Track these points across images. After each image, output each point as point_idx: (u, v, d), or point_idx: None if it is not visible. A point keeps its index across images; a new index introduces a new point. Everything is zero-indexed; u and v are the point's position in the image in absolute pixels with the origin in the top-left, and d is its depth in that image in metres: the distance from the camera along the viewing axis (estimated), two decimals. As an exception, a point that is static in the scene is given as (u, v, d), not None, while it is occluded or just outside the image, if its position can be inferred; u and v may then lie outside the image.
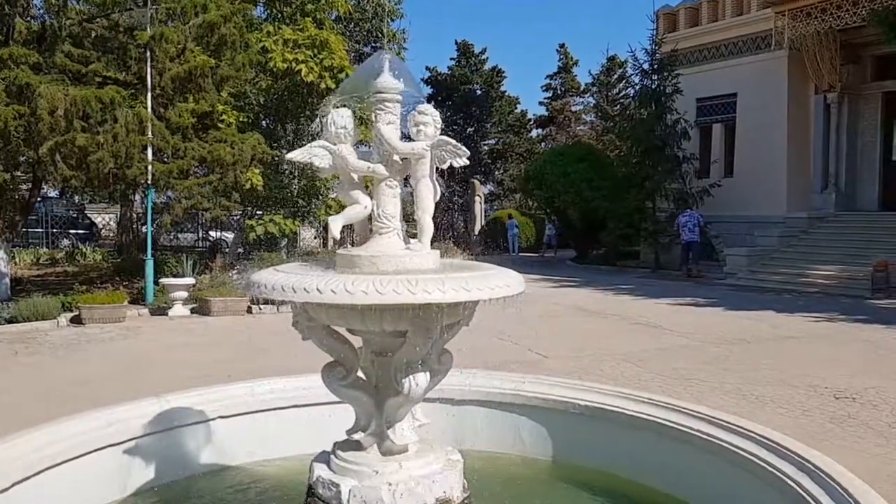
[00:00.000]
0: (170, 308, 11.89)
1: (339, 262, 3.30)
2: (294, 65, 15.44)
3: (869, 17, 15.07)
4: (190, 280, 12.28)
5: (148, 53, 12.47)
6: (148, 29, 12.38)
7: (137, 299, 12.64)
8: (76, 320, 10.96)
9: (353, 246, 3.46)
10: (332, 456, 3.40)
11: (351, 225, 3.47)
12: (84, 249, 19.43)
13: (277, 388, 4.99)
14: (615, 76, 41.58)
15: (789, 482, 3.55)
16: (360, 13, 21.50)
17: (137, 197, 18.03)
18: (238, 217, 19.57)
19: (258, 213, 17.33)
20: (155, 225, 13.99)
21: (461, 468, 3.44)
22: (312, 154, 3.34)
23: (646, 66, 21.19)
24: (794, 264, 16.25)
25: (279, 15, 18.54)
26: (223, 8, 12.76)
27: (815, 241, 17.24)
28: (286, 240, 18.85)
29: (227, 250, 18.97)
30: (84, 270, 16.04)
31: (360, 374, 3.47)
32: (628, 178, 21.25)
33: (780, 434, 4.04)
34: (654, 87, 20.83)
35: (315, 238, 23.84)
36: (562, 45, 43.11)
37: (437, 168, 3.36)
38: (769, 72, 19.11)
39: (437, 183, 3.38)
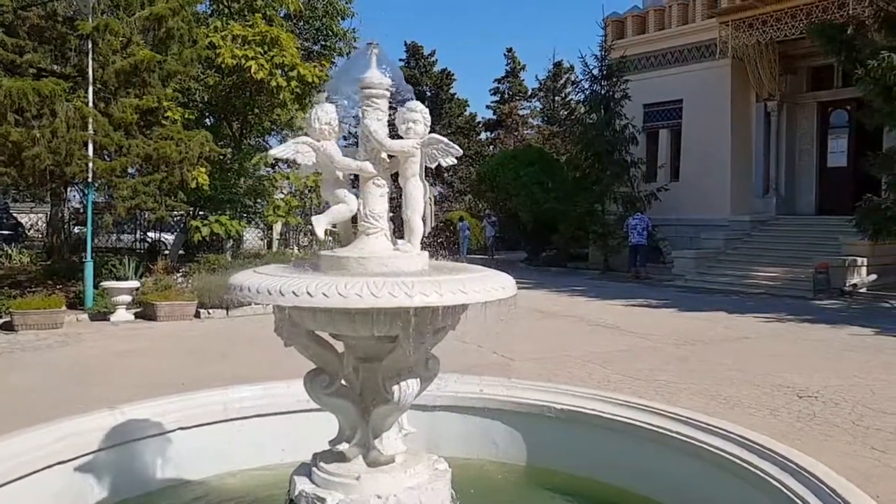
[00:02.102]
0: (112, 313, 11.37)
1: (324, 263, 3.14)
2: (243, 61, 15.03)
3: (807, 29, 15.62)
4: (134, 283, 11.78)
5: (90, 45, 11.91)
6: (90, 19, 11.84)
7: (75, 304, 12.04)
8: (7, 327, 10.34)
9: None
10: (313, 468, 3.24)
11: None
12: (9, 251, 18.37)
13: (239, 396, 4.80)
14: (561, 81, 42.18)
15: (773, 482, 3.55)
16: (311, 11, 21.15)
17: (75, 195, 17.23)
18: (179, 217, 18.95)
19: (201, 213, 16.78)
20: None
21: (449, 478, 3.34)
22: (296, 150, 3.18)
23: (595, 71, 21.47)
24: (739, 266, 16.70)
25: (227, 10, 18.09)
26: (171, 0, 12.32)
27: (759, 244, 17.77)
28: (231, 241, 18.39)
29: (167, 252, 18.32)
30: (10, 273, 15.14)
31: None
32: (578, 181, 21.49)
33: (760, 434, 4.06)
34: (603, 92, 21.12)
35: (262, 239, 23.34)
36: (509, 50, 43.56)
37: (426, 167, 3.25)
38: (713, 80, 19.61)
39: (426, 182, 3.26)
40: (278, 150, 3.20)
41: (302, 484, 3.18)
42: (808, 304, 13.13)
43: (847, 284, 14.60)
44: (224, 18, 17.45)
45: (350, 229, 3.35)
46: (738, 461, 3.79)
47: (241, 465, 4.51)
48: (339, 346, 3.29)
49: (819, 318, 11.32)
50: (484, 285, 2.94)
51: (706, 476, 3.96)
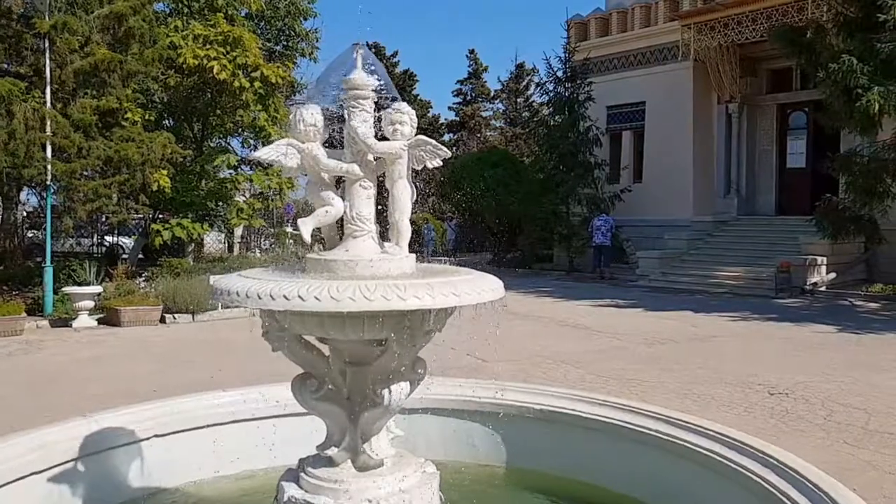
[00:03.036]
0: (74, 319, 11.08)
1: (311, 266, 3.11)
2: (205, 62, 14.78)
3: (769, 32, 15.95)
4: (97, 288, 11.49)
5: (47, 44, 11.59)
6: (47, 17, 11.52)
7: (33, 310, 11.70)
8: (-35, 334, 10.01)
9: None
10: (301, 474, 3.21)
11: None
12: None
13: (215, 402, 4.73)
14: (523, 83, 42.44)
15: (755, 478, 3.60)
16: (273, 11, 20.90)
17: (33, 199, 16.74)
18: (137, 221, 18.57)
19: (160, 216, 16.44)
20: (43, 229, 12.98)
21: (437, 481, 3.33)
22: (280, 153, 3.14)
23: (560, 73, 21.61)
24: (702, 266, 16.96)
25: (186, 10, 17.78)
26: (131, -1, 12.06)
27: (721, 244, 18.08)
28: (193, 245, 18.08)
29: (125, 256, 17.91)
30: (-39, 280, 14.61)
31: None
32: (543, 182, 21.61)
33: (738, 431, 4.12)
34: (567, 94, 21.26)
35: (224, 242, 22.96)
36: (471, 51, 43.66)
37: (413, 169, 3.24)
38: (675, 82, 19.89)
39: (413, 184, 3.25)
40: (263, 153, 3.15)
41: (290, 490, 3.14)
42: (771, 303, 13.40)
43: (808, 283, 14.94)
44: (184, 18, 17.16)
45: (335, 232, 3.32)
46: (718, 458, 3.84)
47: (220, 472, 4.45)
48: (325, 350, 3.26)
49: (783, 316, 11.55)
50: (475, 287, 2.95)
51: (687, 473, 4.00)
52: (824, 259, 15.45)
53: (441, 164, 3.31)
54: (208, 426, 4.52)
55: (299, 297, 2.65)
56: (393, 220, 3.20)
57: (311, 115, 3.15)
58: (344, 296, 2.63)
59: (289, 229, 30.97)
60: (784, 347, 8.71)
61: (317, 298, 2.63)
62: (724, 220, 19.13)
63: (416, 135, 3.20)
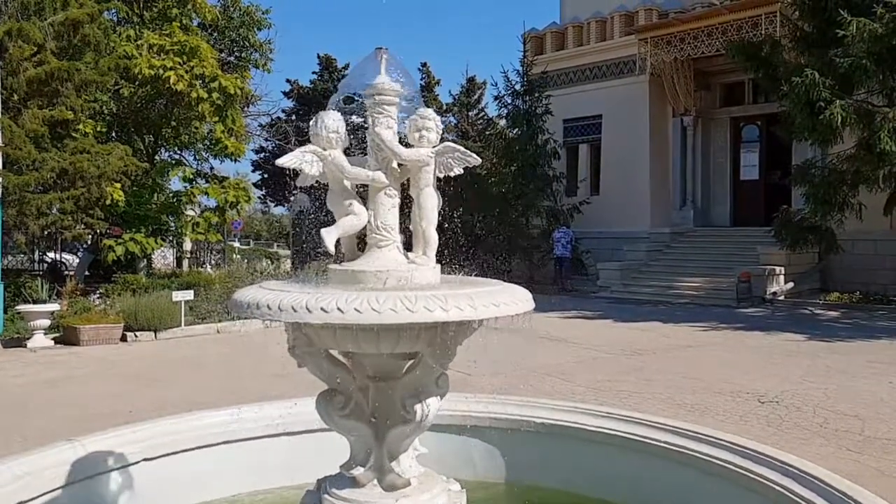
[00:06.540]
0: (28, 339, 10.54)
1: (335, 277, 2.99)
2: (162, 72, 14.39)
3: (726, 47, 16.31)
4: (54, 306, 10.97)
5: (-3, 52, 11.11)
6: (-1, 24, 11.05)
7: (-19, 331, 11.10)
8: (-89, 356, 9.43)
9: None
10: (325, 495, 3.07)
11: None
12: None
13: (202, 423, 4.56)
14: (475, 97, 42.62)
15: (776, 487, 3.57)
16: (227, 21, 20.53)
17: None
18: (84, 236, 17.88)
19: (109, 230, 15.86)
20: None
21: (464, 500, 3.23)
22: (303, 160, 3.01)
23: (518, 86, 21.71)
24: (662, 277, 17.19)
25: (138, 20, 17.32)
26: (87, 6, 11.63)
27: (679, 255, 18.36)
28: (146, 260, 17.52)
29: (69, 273, 17.21)
30: None
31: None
32: (502, 195, 21.64)
33: (749, 440, 4.11)
34: (525, 107, 21.37)
35: (167, 258, 22.30)
36: (424, 64, 43.67)
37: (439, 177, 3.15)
38: (632, 95, 20.21)
39: (438, 192, 3.16)
40: (285, 160, 3.01)
41: (317, 513, 2.99)
42: (735, 312, 13.60)
43: (768, 293, 15.23)
44: (136, 27, 16.72)
45: (355, 242, 3.20)
46: (734, 468, 3.81)
47: (216, 495, 4.27)
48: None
49: (750, 325, 11.72)
50: (512, 297, 2.92)
51: (701, 485, 3.96)
52: (782, 269, 15.76)
53: (462, 172, 3.23)
54: (199, 448, 4.34)
55: (338, 309, 2.52)
56: (419, 230, 3.11)
57: (333, 122, 3.04)
58: (385, 307, 2.52)
59: (235, 244, 30.28)
60: (760, 356, 8.82)
61: (357, 311, 2.51)
62: (681, 232, 19.43)
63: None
